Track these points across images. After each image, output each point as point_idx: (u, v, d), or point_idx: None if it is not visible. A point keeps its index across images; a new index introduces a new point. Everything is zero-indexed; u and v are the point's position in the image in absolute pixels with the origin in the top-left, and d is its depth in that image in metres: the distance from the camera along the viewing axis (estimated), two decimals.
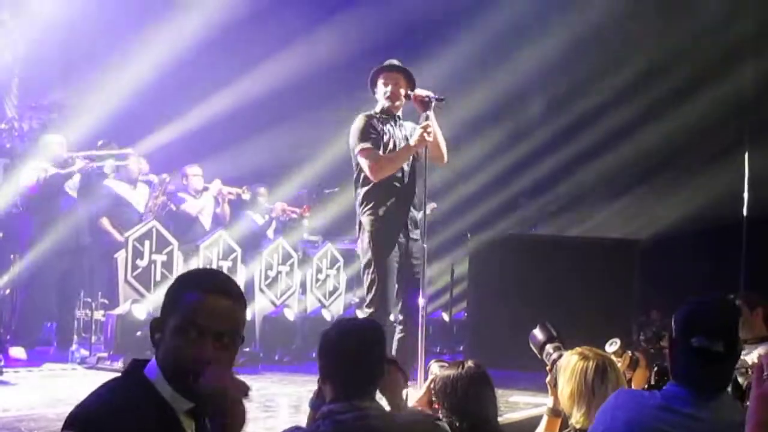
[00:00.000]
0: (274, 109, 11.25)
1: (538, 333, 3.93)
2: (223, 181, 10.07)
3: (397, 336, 5.91)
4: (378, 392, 3.11)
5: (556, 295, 8.93)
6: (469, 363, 3.60)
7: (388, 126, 6.07)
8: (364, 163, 5.96)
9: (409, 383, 5.77)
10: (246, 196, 10.15)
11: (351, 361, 2.98)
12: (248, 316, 8.58)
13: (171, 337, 2.29)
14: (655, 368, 3.97)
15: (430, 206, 10.74)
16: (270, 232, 10.68)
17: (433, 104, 5.87)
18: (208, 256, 8.82)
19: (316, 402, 3.14)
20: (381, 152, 5.96)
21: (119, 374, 2.38)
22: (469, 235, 10.41)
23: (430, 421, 3.19)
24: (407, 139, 6.07)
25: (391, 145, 6.01)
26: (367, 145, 5.95)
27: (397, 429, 3.00)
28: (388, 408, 3.22)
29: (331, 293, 10.07)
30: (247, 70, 10.92)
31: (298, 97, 11.45)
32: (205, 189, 9.89)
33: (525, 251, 9.60)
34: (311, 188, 11.19)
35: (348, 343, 3.03)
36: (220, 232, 9.12)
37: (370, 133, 5.98)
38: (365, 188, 6.01)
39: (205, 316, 2.28)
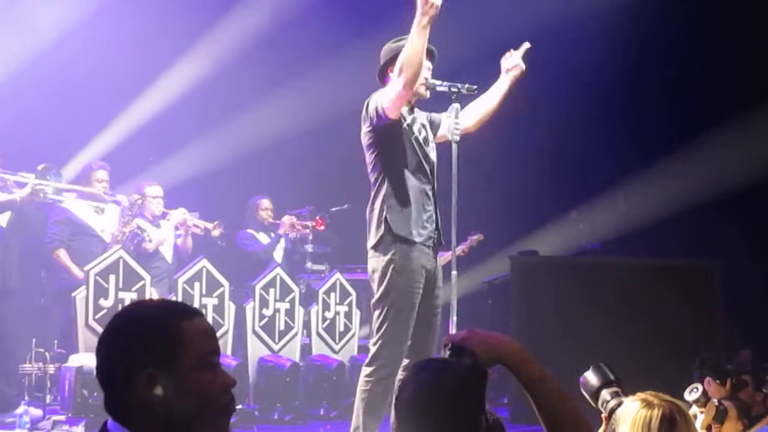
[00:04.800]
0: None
1: (591, 376, 3.76)
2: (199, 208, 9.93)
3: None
4: None
5: (619, 333, 8.86)
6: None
7: (410, 117, 5.95)
8: (388, 92, 5.73)
9: None
10: (216, 233, 9.96)
11: (432, 427, 2.52)
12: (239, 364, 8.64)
13: (195, 378, 2.32)
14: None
15: (476, 237, 10.90)
16: (278, 254, 10.57)
17: (458, 94, 5.85)
18: (188, 291, 8.74)
19: None
20: (408, 153, 5.84)
21: None
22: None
23: None
24: (426, 143, 5.99)
25: (418, 143, 5.90)
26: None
27: None
28: None
29: (342, 335, 9.87)
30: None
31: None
32: (164, 215, 9.74)
33: (581, 276, 9.45)
34: (315, 206, 11.01)
35: (429, 399, 2.54)
36: (203, 260, 9.01)
37: None
38: (385, 188, 5.81)
39: (213, 339, 2.42)
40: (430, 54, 5.95)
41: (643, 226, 11.24)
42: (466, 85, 5.84)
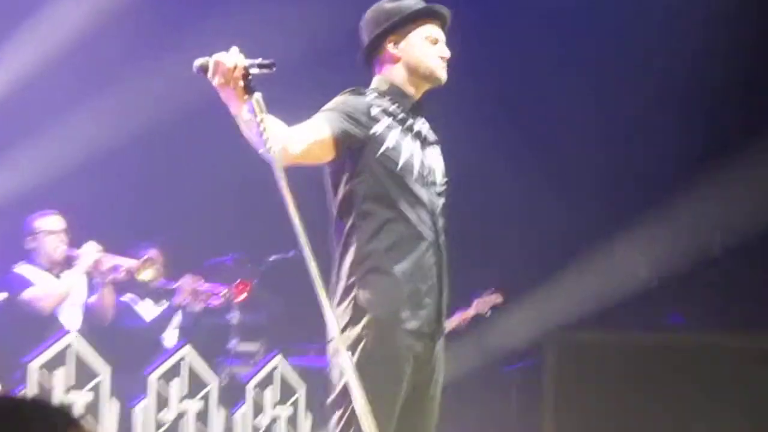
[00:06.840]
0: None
1: None
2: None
3: None
4: None
5: None
6: None
7: (405, 127, 4.55)
8: None
9: None
10: (147, 276, 7.93)
11: None
12: None
13: None
14: None
15: (492, 297, 8.90)
16: (170, 335, 8.48)
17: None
18: (43, 385, 6.91)
19: None
20: (394, 189, 4.52)
21: None
22: None
23: None
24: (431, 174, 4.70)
25: (415, 167, 4.53)
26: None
27: None
28: None
29: None
30: None
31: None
32: (71, 259, 7.79)
33: (652, 362, 8.18)
34: (245, 252, 8.87)
35: None
36: (69, 336, 7.11)
37: (348, 113, 4.44)
38: (355, 244, 4.52)
39: None
40: (437, 17, 4.71)
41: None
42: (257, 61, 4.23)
